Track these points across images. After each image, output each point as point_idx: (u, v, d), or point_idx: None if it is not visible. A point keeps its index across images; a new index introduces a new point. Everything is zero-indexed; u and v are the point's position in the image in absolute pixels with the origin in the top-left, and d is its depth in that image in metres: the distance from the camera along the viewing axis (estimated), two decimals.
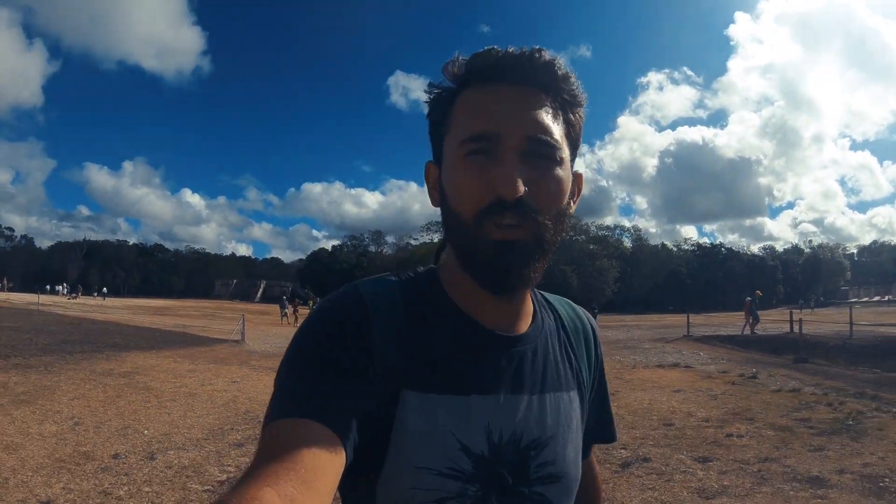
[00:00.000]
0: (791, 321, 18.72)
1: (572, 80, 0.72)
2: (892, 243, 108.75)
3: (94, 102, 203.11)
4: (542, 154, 0.69)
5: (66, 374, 8.49)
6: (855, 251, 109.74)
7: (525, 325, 0.79)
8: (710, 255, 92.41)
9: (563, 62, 0.71)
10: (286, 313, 31.11)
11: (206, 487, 4.12)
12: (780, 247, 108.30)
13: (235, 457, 4.89)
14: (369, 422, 0.67)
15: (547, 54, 0.70)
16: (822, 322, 21.81)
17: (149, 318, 23.83)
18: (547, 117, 0.69)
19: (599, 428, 0.93)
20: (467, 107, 0.71)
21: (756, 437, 5.76)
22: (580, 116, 0.75)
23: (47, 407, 6.29)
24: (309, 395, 0.63)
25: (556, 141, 0.70)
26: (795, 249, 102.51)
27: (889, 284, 76.52)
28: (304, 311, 29.50)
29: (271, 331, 21.40)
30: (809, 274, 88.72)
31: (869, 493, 4.22)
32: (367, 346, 0.69)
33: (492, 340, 0.75)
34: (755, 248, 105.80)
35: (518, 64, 0.69)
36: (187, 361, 10.96)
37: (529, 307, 0.81)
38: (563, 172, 0.71)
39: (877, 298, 70.58)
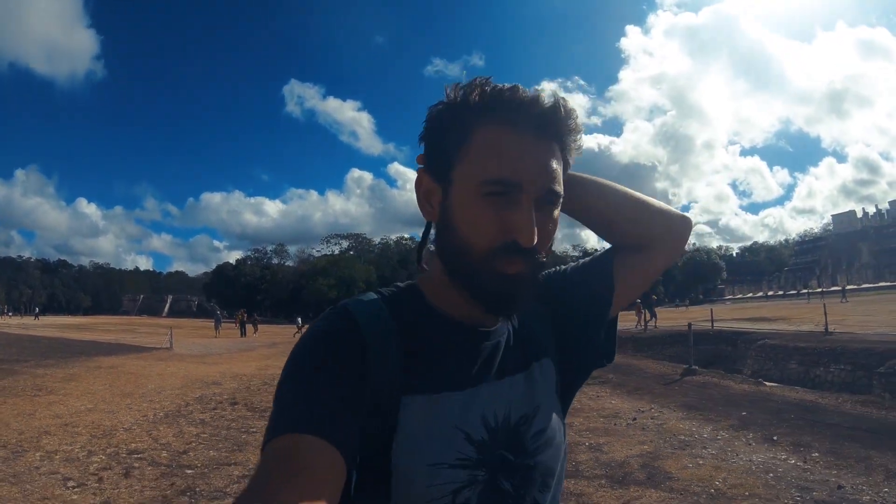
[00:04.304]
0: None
1: (580, 131, 0.78)
2: (770, 244, 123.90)
3: None
4: (550, 201, 0.75)
5: (73, 368, 13.64)
6: (736, 251, 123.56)
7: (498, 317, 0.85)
8: None
9: (577, 113, 0.76)
10: (219, 327, 34.67)
11: (193, 397, 9.77)
12: None
13: (199, 391, 10.51)
14: (372, 434, 0.72)
15: (567, 106, 0.75)
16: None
17: (83, 335, 28.04)
18: (559, 168, 0.75)
19: (592, 349, 0.96)
20: (489, 146, 0.73)
21: None
22: (574, 159, 0.81)
23: (85, 382, 11.51)
24: (308, 411, 0.66)
25: (562, 188, 0.77)
26: None
27: (760, 282, 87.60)
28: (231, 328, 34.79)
29: (189, 341, 26.37)
30: (689, 275, 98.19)
31: None
32: (362, 363, 0.73)
33: (474, 336, 0.82)
34: None
35: (544, 118, 0.73)
36: (141, 360, 16.27)
37: None
38: (558, 212, 0.79)
39: (750, 295, 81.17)
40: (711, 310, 29.19)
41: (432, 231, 0.86)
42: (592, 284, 0.94)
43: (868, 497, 4.66)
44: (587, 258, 1.00)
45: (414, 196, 0.81)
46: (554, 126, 0.75)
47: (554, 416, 0.86)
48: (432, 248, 0.86)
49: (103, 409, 8.67)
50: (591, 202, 0.93)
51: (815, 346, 16.41)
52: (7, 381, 11.07)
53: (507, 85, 0.74)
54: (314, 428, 0.64)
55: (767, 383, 11.82)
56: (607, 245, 1.02)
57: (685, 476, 5.42)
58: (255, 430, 7.43)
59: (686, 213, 1.00)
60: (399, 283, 0.88)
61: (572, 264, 1.00)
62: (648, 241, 0.96)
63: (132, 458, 6.00)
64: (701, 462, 5.88)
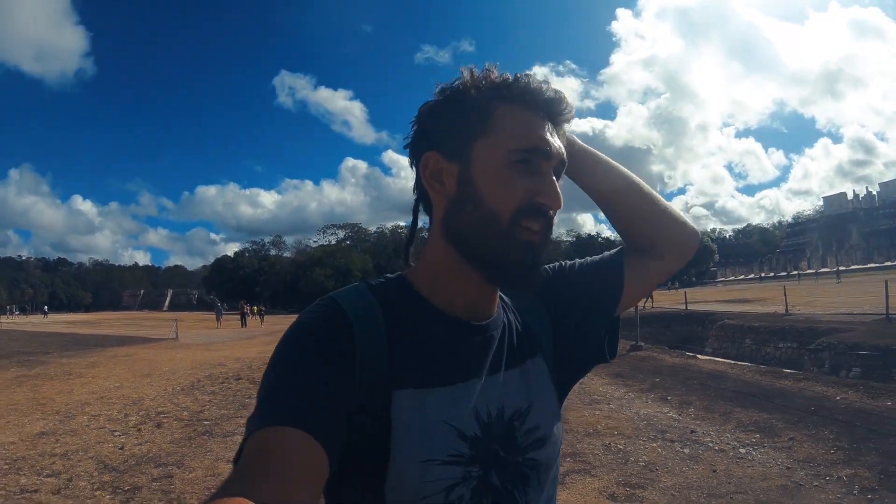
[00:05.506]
0: None
1: (571, 121, 0.86)
2: (763, 226, 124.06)
3: None
4: (559, 172, 0.82)
5: (93, 357, 15.40)
6: (730, 234, 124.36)
7: (493, 310, 0.86)
8: (586, 246, 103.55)
9: (572, 107, 0.84)
10: (220, 319, 36.95)
11: (203, 375, 11.46)
12: None
13: (207, 371, 12.20)
14: (365, 431, 0.72)
15: (567, 97, 0.82)
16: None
17: (93, 330, 30.02)
18: (562, 145, 0.83)
19: (592, 346, 0.96)
20: (514, 121, 0.79)
21: None
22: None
23: (107, 368, 13.23)
24: (292, 404, 0.65)
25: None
26: None
27: (751, 264, 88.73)
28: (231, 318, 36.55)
29: (193, 332, 28.35)
30: None
31: None
32: (351, 355, 0.72)
33: (467, 331, 0.82)
34: None
35: (550, 103, 0.81)
36: (152, 349, 18.07)
37: (496, 294, 0.87)
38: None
39: (741, 277, 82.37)
40: (685, 293, 30.80)
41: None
42: (602, 282, 0.97)
43: (709, 438, 6.22)
44: (595, 256, 1.02)
45: (409, 184, 0.87)
46: (558, 112, 0.82)
47: (549, 413, 0.86)
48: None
49: (129, 386, 10.41)
50: (598, 178, 0.99)
51: (768, 325, 17.99)
52: (39, 369, 12.87)
53: (518, 73, 0.81)
54: (297, 421, 0.63)
55: (700, 357, 13.50)
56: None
57: (576, 421, 7.10)
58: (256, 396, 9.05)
59: (695, 227, 1.02)
60: (388, 275, 0.87)
61: (578, 260, 1.01)
62: (658, 244, 0.99)
63: (160, 416, 7.75)
64: (597, 413, 7.57)
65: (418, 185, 0.86)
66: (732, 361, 12.70)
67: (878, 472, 4.85)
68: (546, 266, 0.97)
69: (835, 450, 5.54)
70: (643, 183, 1.00)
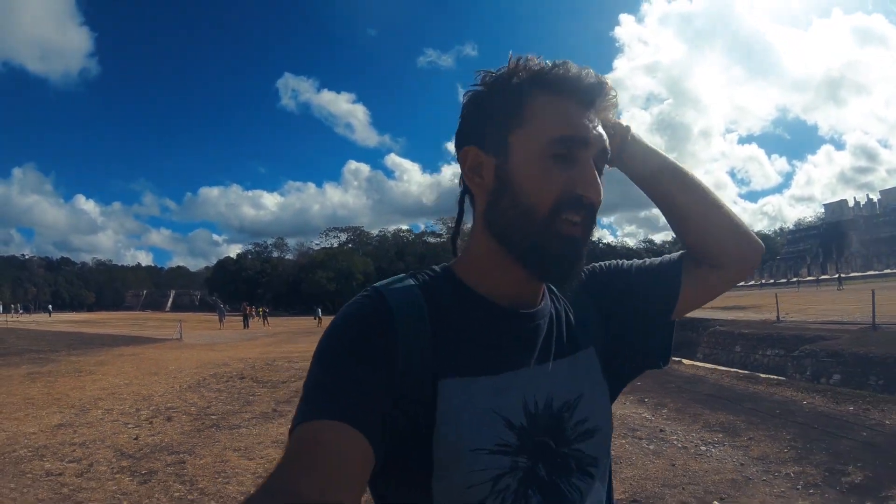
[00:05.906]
0: None
1: (617, 107, 0.84)
2: (764, 233, 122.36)
3: None
4: (602, 160, 0.79)
5: (101, 356, 15.98)
6: None
7: (539, 299, 0.85)
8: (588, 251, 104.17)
9: (616, 92, 0.82)
10: (223, 320, 37.19)
11: (208, 374, 12.01)
12: (663, 238, 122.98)
13: (212, 370, 12.73)
14: (411, 421, 0.72)
15: (609, 83, 0.80)
16: None
17: (97, 329, 30.63)
18: (604, 133, 0.80)
19: (645, 349, 0.94)
20: (550, 110, 0.76)
21: None
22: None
23: (115, 366, 13.78)
24: (336, 397, 0.66)
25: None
26: (674, 241, 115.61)
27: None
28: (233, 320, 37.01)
29: (196, 332, 28.91)
30: None
31: None
32: (394, 348, 0.73)
33: (514, 319, 0.81)
34: (631, 242, 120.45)
35: (591, 91, 0.78)
36: (157, 349, 18.65)
37: (542, 283, 0.85)
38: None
39: (741, 284, 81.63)
40: None
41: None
42: (658, 285, 0.94)
43: (675, 437, 6.68)
44: (655, 258, 0.99)
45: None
46: (599, 99, 0.79)
47: (598, 405, 0.85)
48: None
49: (138, 383, 10.96)
50: (652, 175, 0.95)
51: (757, 332, 18.39)
52: (51, 367, 13.43)
53: (557, 60, 0.78)
54: (341, 414, 0.64)
55: (685, 361, 14.00)
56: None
57: None
58: (259, 394, 9.67)
59: (758, 239, 0.97)
60: (434, 267, 0.86)
61: (637, 261, 0.99)
62: (718, 255, 0.94)
63: (170, 411, 8.30)
64: None
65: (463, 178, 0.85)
66: (712, 367, 13.17)
67: (823, 470, 5.28)
68: (601, 263, 0.97)
69: (788, 449, 5.98)
70: (708, 187, 0.96)
